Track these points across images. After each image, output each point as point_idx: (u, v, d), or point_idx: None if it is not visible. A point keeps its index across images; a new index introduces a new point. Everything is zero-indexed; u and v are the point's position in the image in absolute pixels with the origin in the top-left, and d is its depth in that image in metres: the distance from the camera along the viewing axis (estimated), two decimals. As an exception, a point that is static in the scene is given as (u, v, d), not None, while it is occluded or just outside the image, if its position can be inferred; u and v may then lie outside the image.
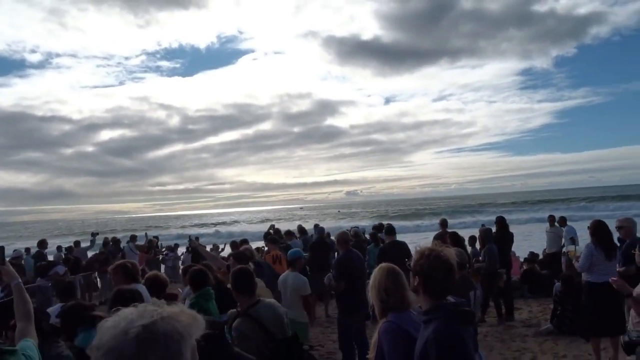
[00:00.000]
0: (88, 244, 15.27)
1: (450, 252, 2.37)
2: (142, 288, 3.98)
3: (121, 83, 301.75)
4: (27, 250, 15.31)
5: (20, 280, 2.59)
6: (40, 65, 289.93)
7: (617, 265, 5.74)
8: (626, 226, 6.21)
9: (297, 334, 3.53)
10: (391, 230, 9.04)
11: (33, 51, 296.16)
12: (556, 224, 12.10)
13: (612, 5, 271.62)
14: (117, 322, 1.02)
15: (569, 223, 12.09)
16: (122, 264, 4.43)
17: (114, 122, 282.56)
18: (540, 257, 12.49)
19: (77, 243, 16.02)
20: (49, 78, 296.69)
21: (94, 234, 15.23)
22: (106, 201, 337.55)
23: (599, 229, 5.93)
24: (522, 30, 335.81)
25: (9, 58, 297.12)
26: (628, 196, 56.77)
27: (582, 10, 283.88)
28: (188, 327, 1.06)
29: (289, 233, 12.06)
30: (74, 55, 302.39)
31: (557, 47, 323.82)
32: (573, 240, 11.04)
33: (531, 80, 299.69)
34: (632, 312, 4.32)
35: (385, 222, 14.43)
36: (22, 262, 12.68)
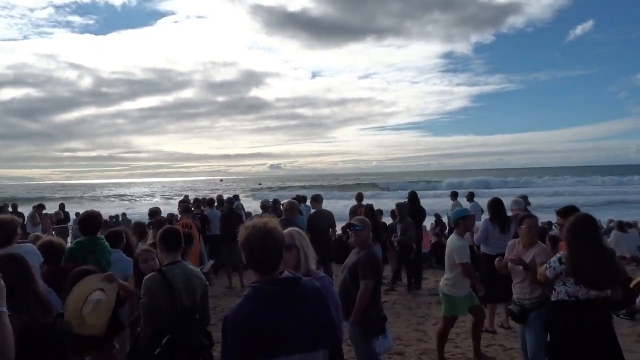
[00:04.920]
0: None
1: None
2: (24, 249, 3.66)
3: (25, 37, 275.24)
4: None
5: (6, 310, 2.18)
6: None
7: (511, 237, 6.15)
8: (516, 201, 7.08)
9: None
10: (317, 199, 9.10)
11: None
12: (465, 199, 12.83)
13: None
14: None
15: (475, 199, 12.85)
16: None
17: (17, 80, 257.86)
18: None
19: None
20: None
21: None
22: (7, 166, 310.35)
23: (494, 206, 6.55)
24: (446, 13, 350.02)
25: None
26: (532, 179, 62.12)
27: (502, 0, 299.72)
28: None
29: (210, 202, 11.83)
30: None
31: (477, 33, 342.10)
32: None
33: (452, 64, 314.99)
34: (515, 282, 4.42)
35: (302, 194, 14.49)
36: None
